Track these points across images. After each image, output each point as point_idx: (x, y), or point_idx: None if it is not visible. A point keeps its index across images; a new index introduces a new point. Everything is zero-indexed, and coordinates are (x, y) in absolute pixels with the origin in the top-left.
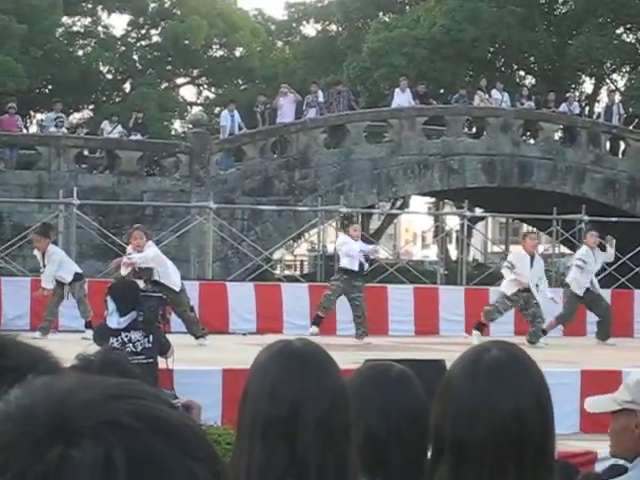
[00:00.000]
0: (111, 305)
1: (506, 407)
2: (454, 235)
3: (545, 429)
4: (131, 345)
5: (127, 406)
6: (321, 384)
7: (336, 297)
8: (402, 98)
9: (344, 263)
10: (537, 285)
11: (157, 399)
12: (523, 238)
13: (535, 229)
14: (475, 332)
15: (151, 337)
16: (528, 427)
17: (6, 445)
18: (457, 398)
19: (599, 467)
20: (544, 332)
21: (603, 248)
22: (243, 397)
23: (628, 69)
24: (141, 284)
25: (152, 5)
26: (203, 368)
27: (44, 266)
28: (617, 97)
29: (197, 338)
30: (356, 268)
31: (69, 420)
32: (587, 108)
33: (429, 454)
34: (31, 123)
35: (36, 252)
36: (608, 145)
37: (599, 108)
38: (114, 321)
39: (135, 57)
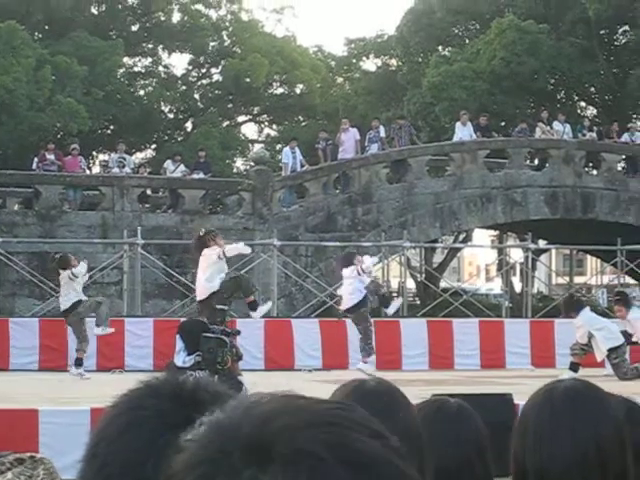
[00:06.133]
0: (179, 344)
1: (586, 433)
2: (518, 267)
3: (624, 455)
4: None
5: (322, 435)
6: (393, 422)
7: None
8: (463, 132)
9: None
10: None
11: (362, 427)
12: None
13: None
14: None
15: (216, 378)
16: (609, 454)
17: (207, 462)
18: (535, 428)
19: None
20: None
21: None
22: None
23: None
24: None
25: (212, 44)
26: None
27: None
28: None
29: None
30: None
31: (265, 444)
32: None
33: None
34: (94, 164)
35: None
36: None
37: None
38: (180, 360)
39: (196, 96)
